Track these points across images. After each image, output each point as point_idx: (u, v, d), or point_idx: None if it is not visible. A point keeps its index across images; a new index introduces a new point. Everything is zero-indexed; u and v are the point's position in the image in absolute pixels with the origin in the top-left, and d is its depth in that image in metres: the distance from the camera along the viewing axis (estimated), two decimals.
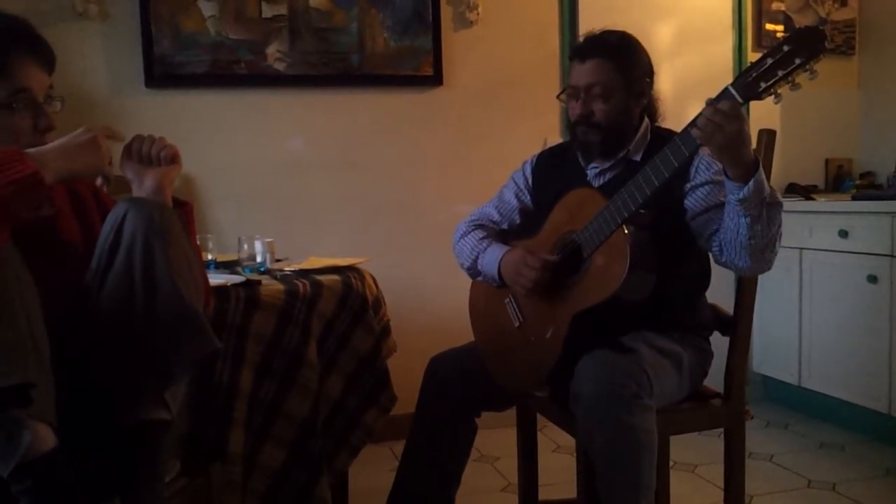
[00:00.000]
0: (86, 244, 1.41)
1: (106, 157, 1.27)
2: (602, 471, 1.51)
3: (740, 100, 1.39)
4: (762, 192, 1.45)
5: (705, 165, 1.64)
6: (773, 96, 1.38)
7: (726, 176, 1.47)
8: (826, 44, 1.33)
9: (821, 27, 1.34)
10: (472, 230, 1.91)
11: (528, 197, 1.92)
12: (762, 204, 1.46)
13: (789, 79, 1.36)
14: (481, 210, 1.98)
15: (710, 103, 1.40)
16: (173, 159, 1.43)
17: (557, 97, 1.81)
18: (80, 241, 1.43)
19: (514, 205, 1.93)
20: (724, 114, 1.37)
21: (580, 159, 1.82)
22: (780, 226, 1.53)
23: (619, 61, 1.70)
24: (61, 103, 1.40)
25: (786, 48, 1.35)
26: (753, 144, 1.73)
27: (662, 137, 1.71)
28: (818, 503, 2.36)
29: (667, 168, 1.47)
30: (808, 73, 1.35)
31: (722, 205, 1.56)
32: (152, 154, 1.41)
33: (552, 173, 1.89)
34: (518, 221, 1.93)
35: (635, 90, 1.72)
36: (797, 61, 1.34)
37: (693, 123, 1.42)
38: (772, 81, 1.36)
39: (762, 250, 1.53)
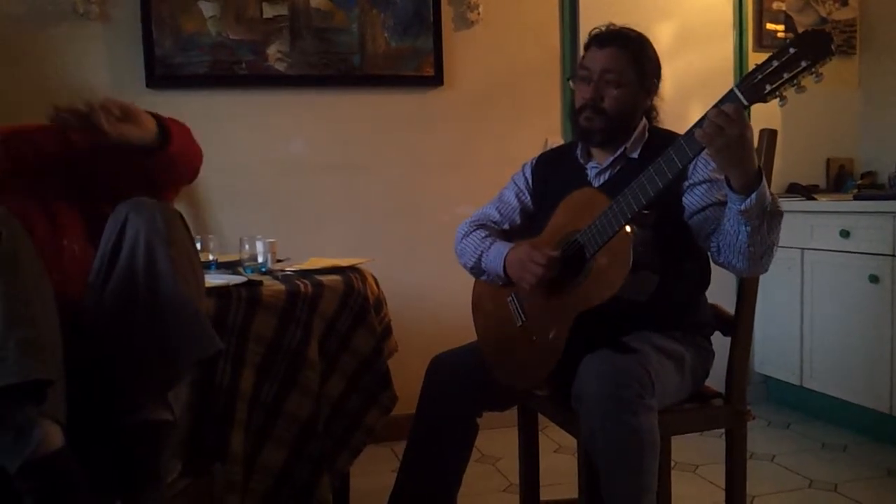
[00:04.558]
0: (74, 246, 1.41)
1: None
2: (604, 471, 1.51)
3: (745, 102, 1.37)
4: (764, 203, 1.45)
5: (703, 163, 1.64)
6: (778, 99, 1.37)
7: (728, 186, 1.47)
8: (833, 47, 1.31)
9: (826, 29, 1.32)
10: (475, 230, 1.91)
11: (529, 197, 1.93)
12: (763, 214, 1.46)
13: (794, 81, 1.34)
14: (482, 211, 1.98)
15: (716, 106, 1.39)
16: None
17: (567, 80, 1.82)
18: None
19: (515, 205, 1.93)
20: (727, 116, 1.36)
21: (579, 156, 1.83)
22: (779, 233, 1.54)
23: (636, 55, 1.73)
24: None
25: (792, 50, 1.33)
26: (755, 145, 1.74)
27: (660, 136, 1.74)
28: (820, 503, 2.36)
29: (670, 169, 1.47)
30: (814, 76, 1.33)
31: (720, 203, 1.56)
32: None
33: (552, 174, 1.89)
34: (519, 222, 1.93)
35: (646, 86, 1.75)
36: (803, 64, 1.32)
37: (698, 124, 1.42)
38: (777, 84, 1.34)
39: (761, 256, 1.53)
